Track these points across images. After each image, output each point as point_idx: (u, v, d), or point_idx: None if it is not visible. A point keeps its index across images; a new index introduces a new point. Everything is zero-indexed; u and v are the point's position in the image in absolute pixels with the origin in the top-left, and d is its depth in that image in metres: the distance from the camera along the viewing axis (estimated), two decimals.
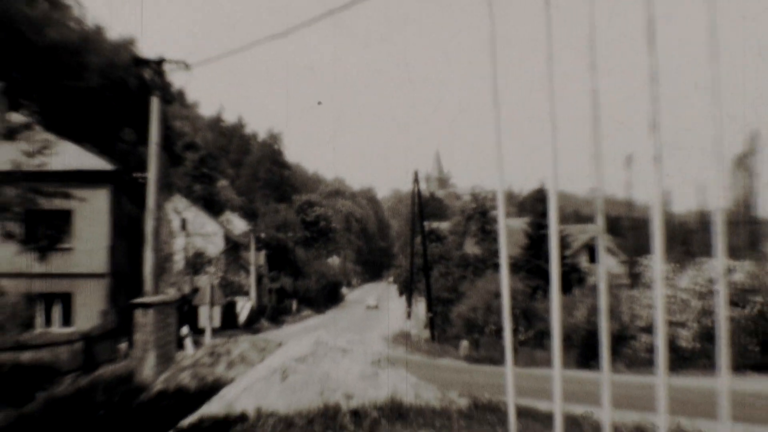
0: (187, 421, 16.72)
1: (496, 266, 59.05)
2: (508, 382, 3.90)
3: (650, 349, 40.29)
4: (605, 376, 3.57)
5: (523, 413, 17.35)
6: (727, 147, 76.90)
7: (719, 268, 3.39)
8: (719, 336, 3.48)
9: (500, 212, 4.74)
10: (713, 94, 3.42)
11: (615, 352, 40.44)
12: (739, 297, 39.30)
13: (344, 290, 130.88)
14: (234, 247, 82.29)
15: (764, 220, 76.18)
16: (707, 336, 38.52)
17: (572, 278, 55.24)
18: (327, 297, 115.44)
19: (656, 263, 3.60)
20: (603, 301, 3.58)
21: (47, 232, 37.97)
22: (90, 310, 38.26)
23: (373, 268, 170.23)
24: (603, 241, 3.99)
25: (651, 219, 3.63)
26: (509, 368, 4.07)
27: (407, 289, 79.71)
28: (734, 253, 48.73)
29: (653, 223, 3.60)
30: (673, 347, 39.41)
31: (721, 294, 3.49)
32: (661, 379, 3.57)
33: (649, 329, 38.02)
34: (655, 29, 3.66)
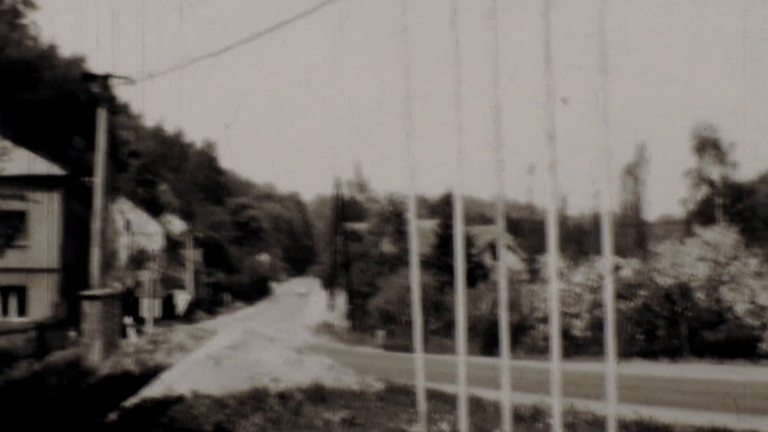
0: (130, 402, 16.66)
1: (409, 263, 59.33)
2: (418, 368, 3.95)
3: (547, 338, 40.72)
4: (504, 362, 3.63)
5: (432, 395, 17.51)
6: (617, 156, 77.89)
7: (607, 265, 3.48)
8: (607, 326, 3.56)
9: (411, 215, 4.79)
10: (600, 109, 3.50)
11: (515, 341, 40.83)
12: (626, 291, 39.92)
13: (273, 284, 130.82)
14: (173, 246, 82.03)
15: (650, 223, 77.49)
16: (598, 326, 39.06)
17: (477, 274, 55.78)
18: (257, 290, 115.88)
19: (551, 261, 3.67)
20: (503, 295, 3.64)
21: (4, 230, 37.82)
22: (43, 301, 38.69)
23: (298, 265, 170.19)
24: (503, 241, 4.04)
25: (546, 221, 3.71)
26: (419, 355, 4.13)
27: (329, 284, 79.93)
28: (623, 251, 49.50)
29: (548, 225, 3.67)
30: (568, 336, 39.90)
31: (609, 288, 3.57)
32: (555, 365, 3.64)
33: (546, 320, 38.42)
34: (551, 48, 3.74)
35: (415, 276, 4.48)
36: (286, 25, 19.46)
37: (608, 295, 3.47)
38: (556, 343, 3.54)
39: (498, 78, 3.92)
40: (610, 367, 3.45)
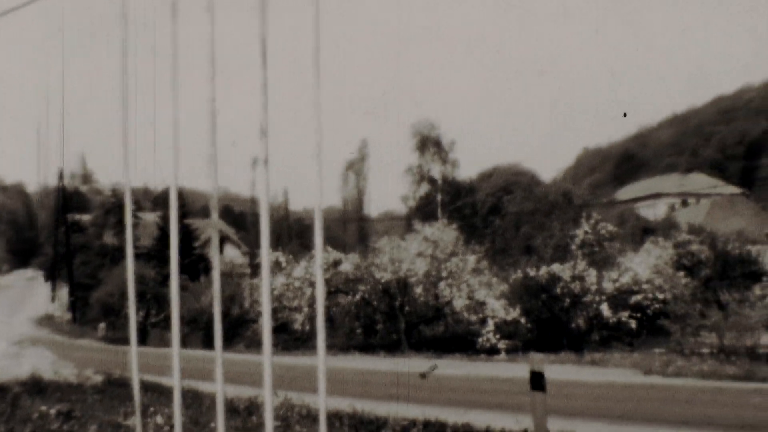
0: None
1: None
2: (133, 361, 4.00)
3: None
4: (218, 355, 3.74)
5: (150, 388, 17.41)
6: (341, 153, 79.11)
7: (318, 261, 3.63)
8: (318, 320, 3.72)
9: (127, 206, 4.80)
10: (314, 105, 3.66)
11: (237, 334, 40.97)
12: (346, 285, 40.74)
13: None
14: None
15: (372, 218, 79.30)
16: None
17: (200, 267, 55.51)
18: None
19: (264, 254, 3.79)
20: (216, 287, 3.74)
21: None
22: None
23: (22, 257, 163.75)
24: (218, 234, 4.14)
25: (260, 215, 3.83)
26: (134, 348, 4.17)
27: (52, 276, 77.42)
28: (345, 246, 50.46)
29: (262, 219, 3.79)
30: (289, 330, 40.37)
31: (319, 283, 3.73)
32: (267, 358, 3.77)
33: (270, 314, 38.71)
34: (267, 43, 3.86)
35: (130, 268, 4.50)
36: None
37: (319, 290, 3.63)
38: (267, 337, 3.66)
39: (214, 72, 4.02)
40: (321, 360, 3.62)
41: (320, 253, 3.71)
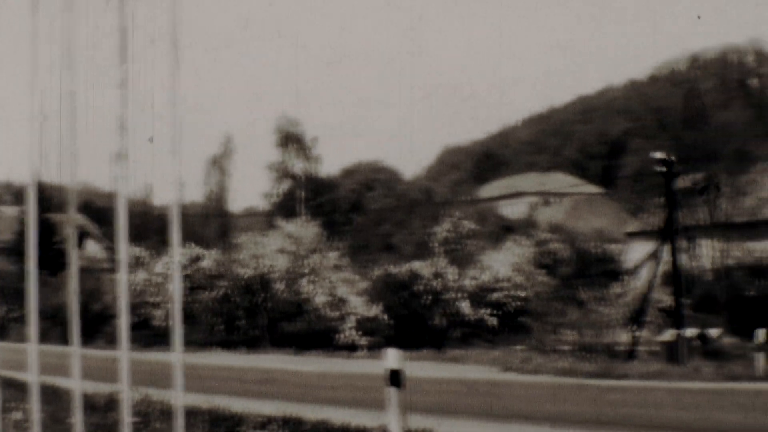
0: None
1: None
2: None
3: (130, 328, 40.59)
4: (76, 350, 3.76)
5: (10, 384, 17.07)
6: (204, 148, 78.36)
7: (175, 257, 3.70)
8: (174, 316, 3.78)
9: None
10: (170, 100, 3.72)
11: (98, 330, 40.28)
12: (207, 281, 40.48)
13: None
14: None
15: (235, 214, 78.76)
16: (181, 315, 39.28)
17: (62, 262, 54.34)
18: None
19: (122, 249, 3.82)
20: (73, 283, 3.78)
21: None
22: None
23: None
24: (75, 230, 4.14)
25: (116, 209, 3.87)
26: None
27: None
28: (206, 242, 50.04)
29: (118, 214, 3.84)
30: (149, 325, 39.90)
31: (176, 279, 3.81)
32: (124, 354, 3.82)
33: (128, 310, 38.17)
34: (127, 37, 3.90)
35: None
36: None
37: (176, 286, 3.70)
38: (125, 333, 3.71)
39: (72, 65, 4.05)
40: (178, 356, 3.67)
41: (177, 248, 3.77)
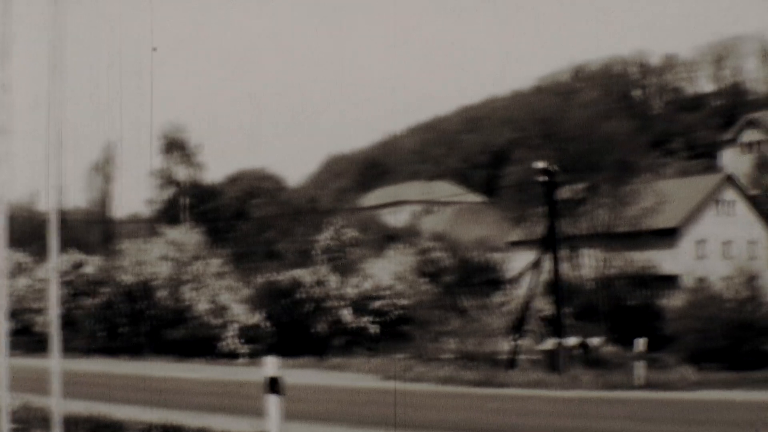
0: None
1: None
2: None
3: (11, 334, 39.69)
4: None
5: None
6: (86, 154, 76.99)
7: (52, 264, 3.74)
8: (53, 323, 3.81)
9: None
10: (50, 104, 3.77)
11: None
12: (89, 288, 39.88)
13: None
14: None
15: (118, 220, 77.54)
16: (63, 322, 38.55)
17: None
18: None
19: None
20: None
21: None
22: None
23: None
24: None
25: None
26: None
27: None
28: (89, 248, 49.18)
29: None
30: (31, 332, 39.12)
31: (54, 286, 3.86)
32: (3, 360, 3.83)
33: (12, 315, 37.37)
34: (8, 43, 3.93)
35: None
36: None
37: (53, 292, 3.74)
38: (3, 338, 3.73)
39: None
40: (56, 362, 3.70)
41: (55, 254, 3.81)
